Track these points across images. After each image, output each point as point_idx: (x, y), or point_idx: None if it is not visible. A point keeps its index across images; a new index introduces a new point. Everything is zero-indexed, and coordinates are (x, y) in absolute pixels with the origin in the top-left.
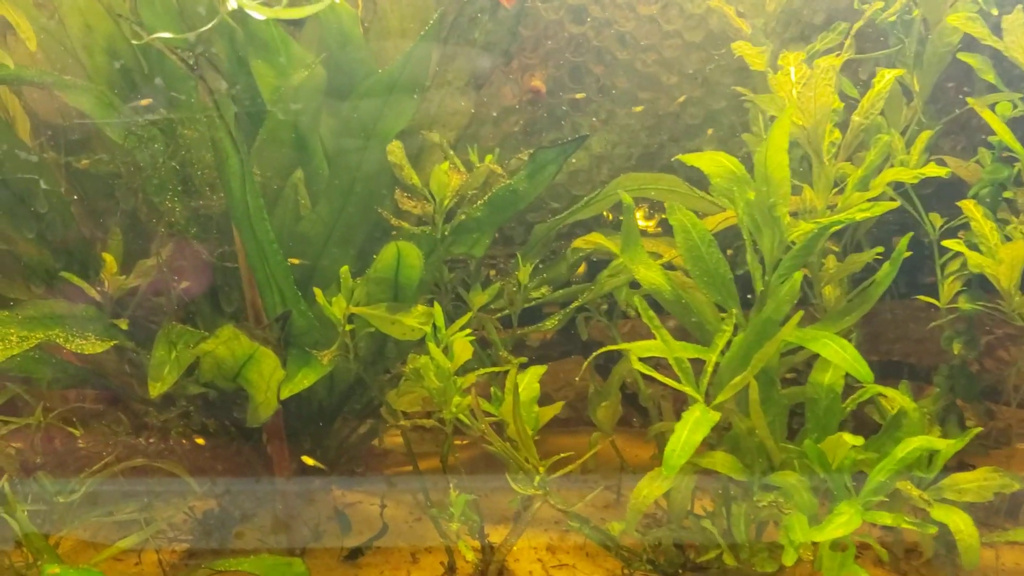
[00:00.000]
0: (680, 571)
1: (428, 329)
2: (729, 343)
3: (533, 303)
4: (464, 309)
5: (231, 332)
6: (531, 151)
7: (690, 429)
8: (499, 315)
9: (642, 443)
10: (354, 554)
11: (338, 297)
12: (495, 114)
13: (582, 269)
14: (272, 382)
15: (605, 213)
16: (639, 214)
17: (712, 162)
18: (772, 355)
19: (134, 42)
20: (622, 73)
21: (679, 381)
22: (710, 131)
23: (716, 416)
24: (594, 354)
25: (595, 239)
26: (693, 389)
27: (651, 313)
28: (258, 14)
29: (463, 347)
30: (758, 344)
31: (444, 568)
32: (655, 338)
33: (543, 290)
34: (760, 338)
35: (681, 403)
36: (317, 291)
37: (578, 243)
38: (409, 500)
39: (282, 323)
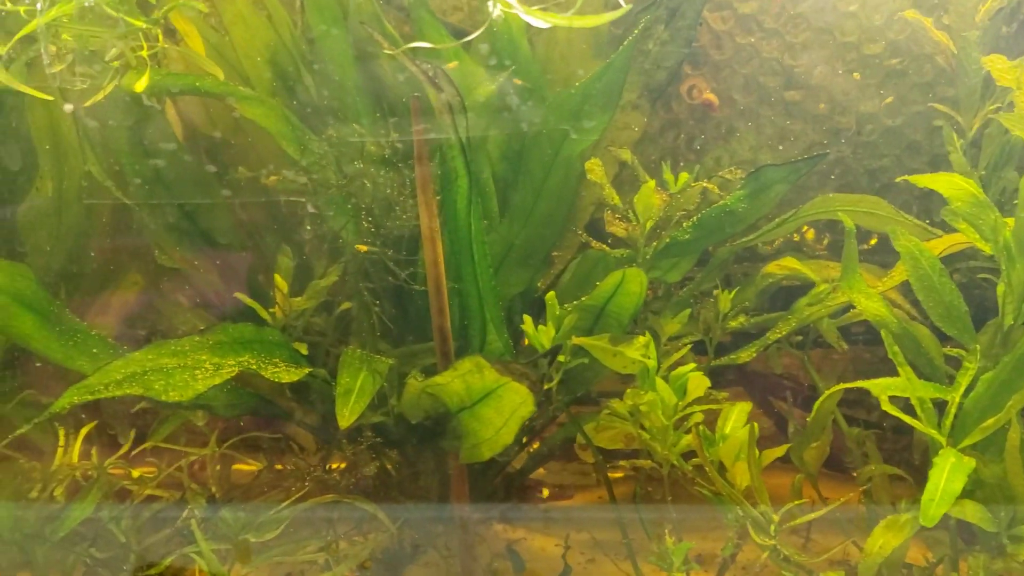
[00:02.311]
0: None
1: (651, 363)
2: (973, 382)
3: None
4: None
5: (472, 365)
6: (752, 169)
7: (947, 477)
8: (689, 343)
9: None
10: None
11: (546, 326)
12: (659, 128)
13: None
14: (513, 420)
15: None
16: (809, 236)
17: (950, 184)
18: None
19: (387, 51)
20: (794, 85)
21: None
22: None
23: (972, 463)
24: (831, 389)
25: (789, 264)
26: (936, 431)
27: (895, 348)
28: (543, 22)
29: (698, 384)
30: (1012, 384)
31: None
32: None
33: (741, 319)
34: (1015, 377)
35: (883, 445)
36: (527, 319)
37: (771, 268)
38: (578, 539)
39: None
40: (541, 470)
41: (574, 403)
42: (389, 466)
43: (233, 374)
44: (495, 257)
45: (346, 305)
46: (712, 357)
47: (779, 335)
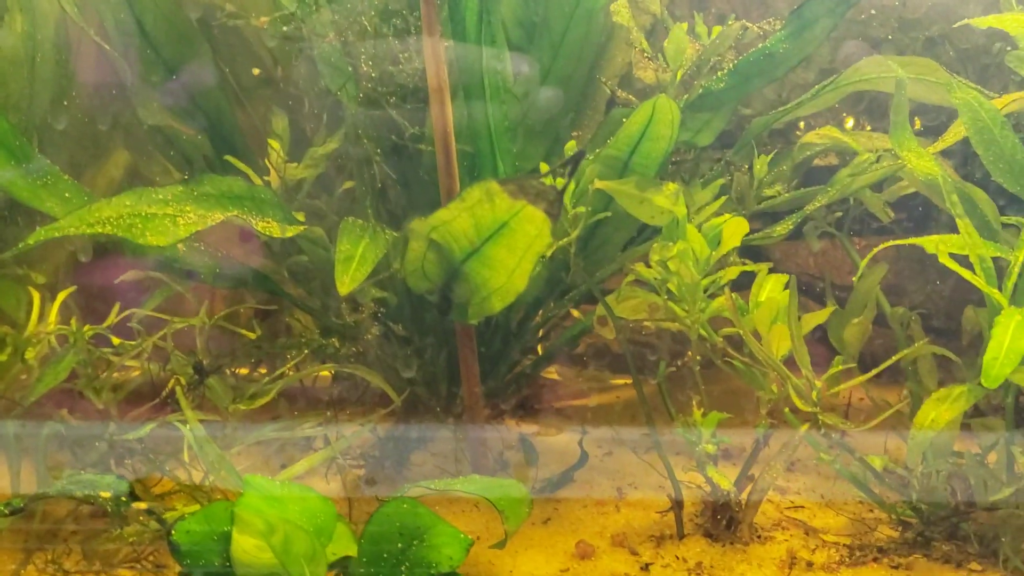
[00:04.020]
0: (956, 514)
1: (681, 211)
2: None
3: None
4: None
5: (483, 192)
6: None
7: (1012, 335)
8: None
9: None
10: (552, 486)
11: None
12: None
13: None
14: (528, 256)
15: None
16: (849, 122)
17: (1018, 24)
18: None
19: None
20: None
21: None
22: None
23: None
24: (889, 244)
25: (829, 132)
26: (998, 292)
27: (955, 198)
28: None
29: (736, 229)
30: None
31: (670, 502)
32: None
33: (777, 188)
34: None
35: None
36: (543, 167)
37: (809, 137)
38: (595, 434)
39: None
40: (555, 375)
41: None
42: (396, 350)
43: (217, 222)
44: (510, 124)
45: (349, 184)
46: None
47: (815, 207)
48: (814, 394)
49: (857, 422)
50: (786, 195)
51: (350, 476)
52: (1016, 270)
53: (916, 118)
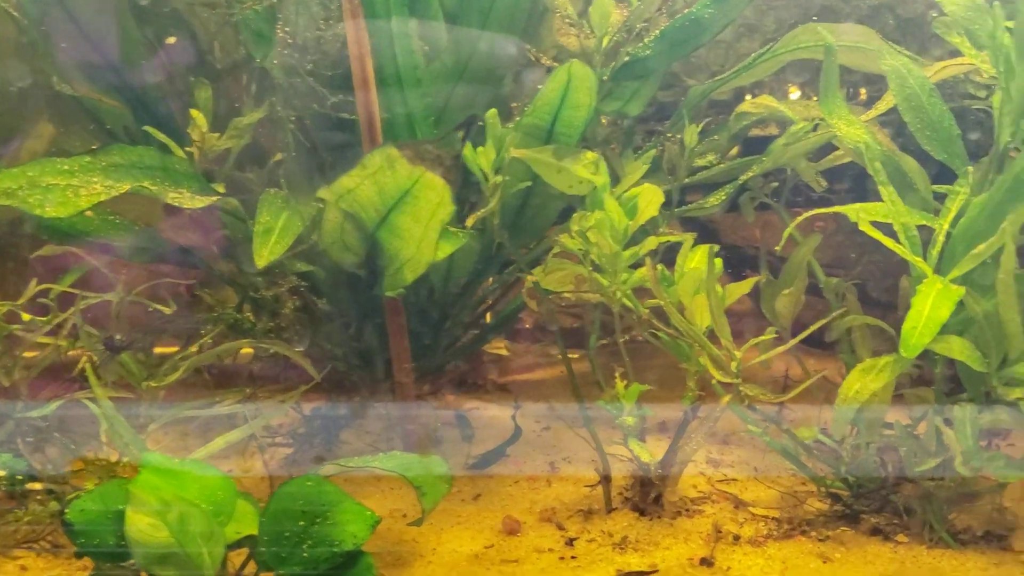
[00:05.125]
0: (884, 486)
1: (600, 180)
2: (962, 210)
3: (689, 181)
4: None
5: (384, 159)
6: None
7: (932, 304)
8: None
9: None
10: (484, 462)
11: (485, 147)
12: None
13: (736, 151)
14: (432, 225)
15: None
16: (793, 92)
17: None
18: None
19: None
20: None
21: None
22: None
23: (960, 291)
24: (814, 212)
25: (765, 101)
26: (922, 261)
27: (877, 165)
28: None
29: (652, 197)
30: (1007, 206)
31: (598, 476)
32: None
33: (710, 157)
34: (1011, 198)
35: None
36: (460, 136)
37: (745, 107)
38: (534, 408)
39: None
40: (504, 350)
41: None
42: (324, 326)
43: (122, 191)
44: (440, 91)
45: (278, 157)
46: (675, 204)
47: (748, 177)
48: (734, 365)
49: (779, 394)
50: (722, 165)
51: (279, 455)
52: (940, 238)
53: (863, 88)
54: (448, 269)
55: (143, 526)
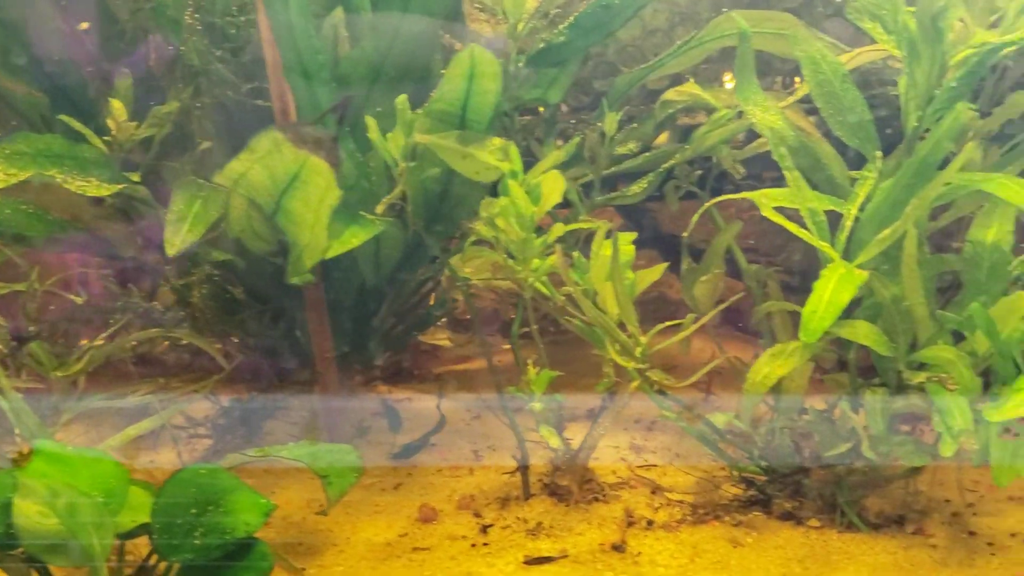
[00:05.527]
0: (797, 471)
1: (507, 167)
2: (870, 195)
3: (613, 170)
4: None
5: (271, 142)
6: None
7: (833, 288)
8: (579, 183)
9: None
10: (407, 451)
11: (394, 132)
12: None
13: (664, 138)
14: (322, 210)
15: None
16: (730, 80)
17: None
18: (929, 203)
19: None
20: None
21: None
22: None
23: (863, 275)
24: (720, 199)
25: (689, 89)
26: (829, 246)
27: (782, 151)
28: None
29: (554, 185)
30: (912, 191)
31: (516, 463)
32: None
33: (631, 146)
34: (915, 183)
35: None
36: (370, 120)
37: (670, 95)
38: (466, 398)
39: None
40: (447, 340)
41: None
42: (240, 313)
43: (23, 179)
44: (363, 79)
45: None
46: (598, 191)
47: (670, 166)
48: (638, 351)
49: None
50: (647, 154)
51: (201, 446)
52: (848, 223)
53: (796, 77)
54: (376, 258)
55: (31, 513)
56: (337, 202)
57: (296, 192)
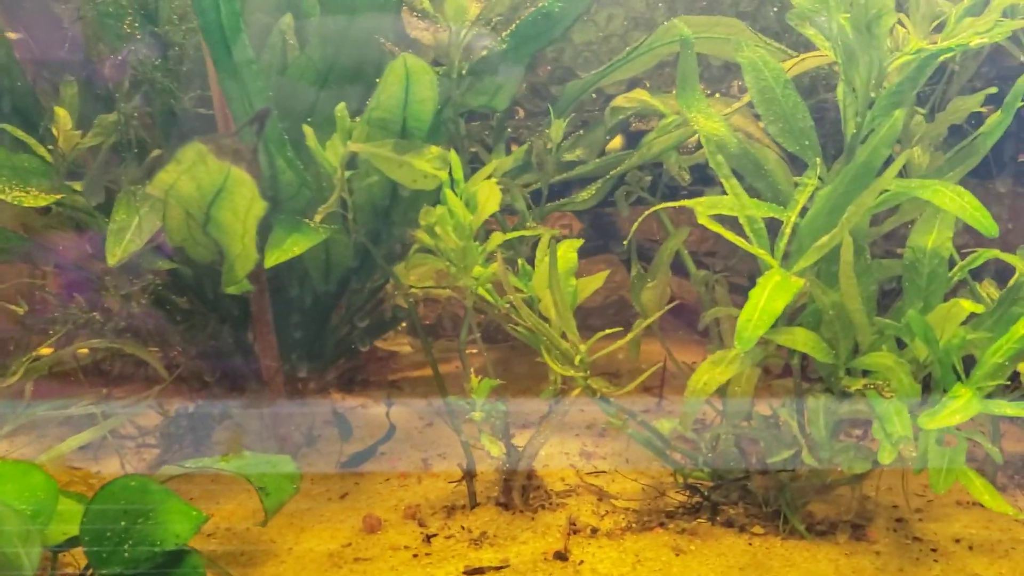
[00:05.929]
0: (742, 477)
1: (444, 175)
2: (810, 202)
3: (566, 176)
4: None
5: (196, 153)
6: None
7: (768, 296)
8: (528, 190)
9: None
10: (355, 460)
11: (333, 140)
12: None
13: (618, 142)
14: (249, 221)
15: None
16: None
17: None
18: (867, 209)
19: None
20: None
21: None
22: None
23: (799, 283)
24: (661, 207)
25: (639, 96)
26: (767, 253)
27: (719, 158)
28: None
29: (489, 194)
30: (849, 197)
31: (462, 472)
32: None
33: (578, 152)
34: (853, 189)
35: (737, 294)
36: (307, 129)
37: (619, 101)
38: (420, 405)
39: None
40: (407, 346)
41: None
42: (184, 322)
43: None
44: (310, 87)
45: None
46: (546, 199)
47: (619, 171)
48: (578, 359)
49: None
50: (597, 161)
51: (148, 456)
52: (787, 231)
53: None
54: (326, 265)
55: None
56: (263, 212)
57: (223, 203)
